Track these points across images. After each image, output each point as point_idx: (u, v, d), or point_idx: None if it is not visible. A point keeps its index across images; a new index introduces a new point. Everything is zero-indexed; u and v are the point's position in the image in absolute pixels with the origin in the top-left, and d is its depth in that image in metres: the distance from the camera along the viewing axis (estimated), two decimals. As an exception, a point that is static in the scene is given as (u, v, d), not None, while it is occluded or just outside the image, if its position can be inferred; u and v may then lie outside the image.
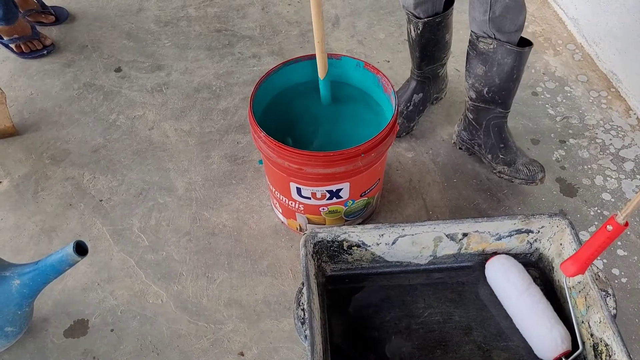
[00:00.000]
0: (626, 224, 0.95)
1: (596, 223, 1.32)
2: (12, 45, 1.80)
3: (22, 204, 1.39)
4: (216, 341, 1.15)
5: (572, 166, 1.44)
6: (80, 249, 0.95)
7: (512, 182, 1.36)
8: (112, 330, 1.17)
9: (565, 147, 1.48)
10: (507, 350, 1.12)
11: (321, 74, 1.19)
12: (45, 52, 1.82)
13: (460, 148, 1.48)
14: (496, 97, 1.30)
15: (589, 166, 1.44)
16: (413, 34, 1.38)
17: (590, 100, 1.60)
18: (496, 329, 1.15)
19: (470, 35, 1.25)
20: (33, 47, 1.81)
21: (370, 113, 1.27)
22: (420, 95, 1.51)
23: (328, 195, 1.18)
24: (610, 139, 1.50)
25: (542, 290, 1.18)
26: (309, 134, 1.27)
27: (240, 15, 1.94)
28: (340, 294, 1.21)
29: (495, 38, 1.21)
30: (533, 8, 1.92)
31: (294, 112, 1.28)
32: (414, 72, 1.49)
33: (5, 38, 1.79)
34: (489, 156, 1.39)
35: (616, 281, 1.22)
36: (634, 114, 1.55)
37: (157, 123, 1.58)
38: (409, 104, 1.50)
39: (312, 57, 1.25)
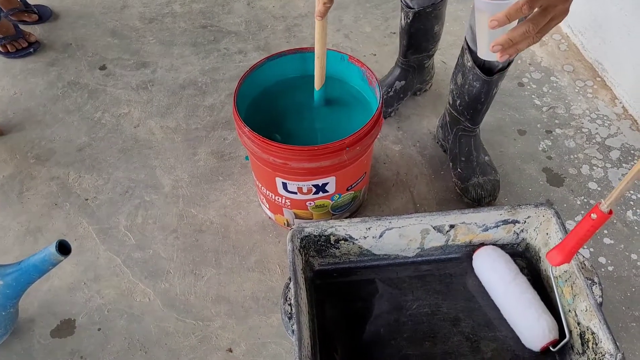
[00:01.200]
0: (610, 212, 0.95)
1: (583, 212, 1.32)
2: (-2, 46, 1.78)
3: (7, 204, 1.38)
4: (204, 338, 1.15)
5: (558, 156, 1.44)
6: (63, 248, 0.94)
7: (462, 198, 1.36)
8: (99, 330, 1.16)
9: (552, 137, 1.49)
10: (495, 340, 1.13)
11: (317, 85, 1.20)
12: (31, 49, 1.80)
13: (437, 142, 1.48)
14: (465, 112, 1.31)
15: (575, 156, 1.44)
16: (403, 22, 1.38)
17: (576, 90, 1.60)
18: (484, 320, 1.16)
19: (464, 41, 1.24)
20: (18, 46, 1.79)
21: (356, 106, 1.26)
22: (403, 82, 1.51)
23: (314, 189, 1.17)
24: (597, 128, 1.50)
25: (529, 280, 1.19)
26: (296, 129, 1.27)
27: (225, 10, 1.93)
28: (328, 288, 1.21)
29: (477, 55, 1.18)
30: (519, -1, 1.91)
31: (281, 107, 1.27)
32: (400, 59, 1.49)
33: (-11, 39, 1.78)
34: (450, 163, 1.40)
35: (603, 269, 1.23)
36: (620, 102, 1.56)
37: (142, 120, 1.57)
38: (389, 90, 1.50)
39: (296, 51, 1.25)
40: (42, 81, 1.70)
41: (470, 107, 1.29)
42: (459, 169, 1.37)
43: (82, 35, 1.85)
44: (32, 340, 1.15)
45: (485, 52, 0.80)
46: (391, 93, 1.52)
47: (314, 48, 1.24)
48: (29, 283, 0.99)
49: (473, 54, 1.19)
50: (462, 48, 1.24)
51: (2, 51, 1.78)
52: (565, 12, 0.73)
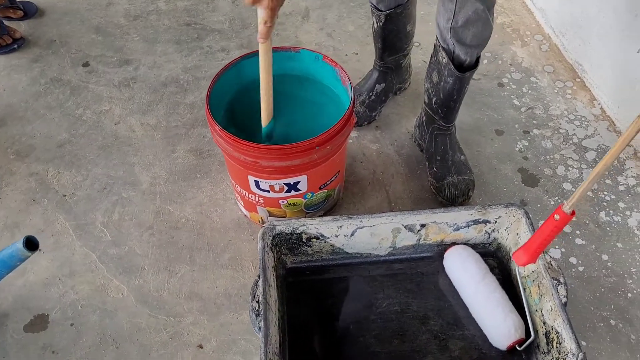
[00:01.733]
0: (573, 213, 0.97)
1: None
2: (-17, 42, 1.79)
3: (-14, 200, 1.39)
4: (176, 334, 1.16)
5: (534, 156, 1.45)
6: (31, 244, 0.95)
7: (437, 197, 1.37)
8: (72, 325, 1.17)
9: (529, 138, 1.49)
10: (463, 339, 1.14)
11: (264, 121, 1.16)
12: (15, 46, 1.81)
13: (414, 142, 1.49)
14: (439, 110, 1.32)
15: (552, 156, 1.45)
16: (375, 25, 1.39)
17: (556, 91, 1.61)
18: (453, 319, 1.17)
19: (435, 39, 1.24)
20: (2, 43, 1.80)
21: (331, 106, 1.27)
22: (383, 85, 1.51)
23: (286, 188, 1.18)
24: (574, 129, 1.51)
25: (499, 279, 1.20)
26: (272, 128, 1.28)
27: (210, 8, 1.93)
28: (300, 286, 1.22)
29: (452, 50, 1.19)
30: (502, -1, 1.93)
31: (257, 106, 1.28)
32: (377, 62, 1.50)
33: (-26, 36, 1.78)
34: (427, 162, 1.41)
35: (573, 270, 1.24)
36: (598, 104, 1.56)
37: (123, 118, 1.58)
38: (371, 94, 1.51)
39: (274, 50, 1.26)
40: (25, 77, 1.71)
41: (444, 105, 1.30)
42: (434, 168, 1.37)
43: (66, 31, 1.86)
44: (5, 335, 1.16)
45: None
46: (373, 97, 1.52)
47: (292, 47, 1.26)
48: (-2, 278, 1.00)
49: (446, 50, 1.20)
50: (435, 46, 1.25)
51: (-13, 47, 1.79)
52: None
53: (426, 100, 1.36)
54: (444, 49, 1.21)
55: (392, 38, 1.41)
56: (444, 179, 1.35)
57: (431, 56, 1.28)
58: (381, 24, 1.37)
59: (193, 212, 1.36)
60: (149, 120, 1.57)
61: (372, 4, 1.37)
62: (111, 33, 1.85)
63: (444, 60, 1.22)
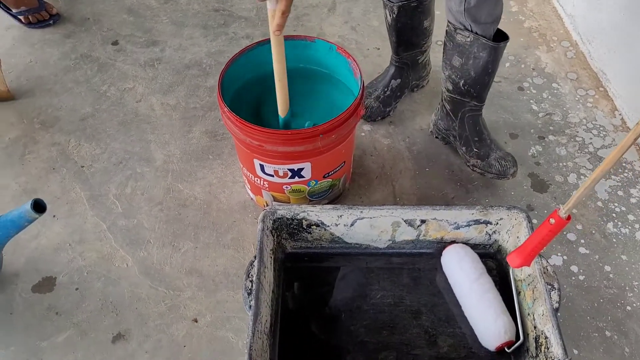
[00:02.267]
0: (568, 218, 0.96)
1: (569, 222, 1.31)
2: (21, 17, 1.86)
3: (9, 165, 1.46)
4: (173, 307, 1.19)
5: (547, 162, 1.43)
6: (39, 206, 1.00)
7: (484, 175, 1.36)
8: (76, 289, 1.22)
9: (543, 143, 1.48)
10: (453, 336, 1.14)
11: (282, 111, 1.17)
12: (51, 21, 1.88)
13: (436, 137, 1.49)
14: (471, 90, 1.30)
15: (564, 164, 1.43)
16: (389, 18, 1.39)
17: (577, 98, 1.59)
18: (445, 315, 1.17)
19: (447, 26, 1.25)
20: (40, 18, 1.87)
21: (342, 96, 1.28)
22: (398, 81, 1.52)
23: (290, 173, 1.20)
24: (591, 138, 1.49)
25: (497, 282, 1.20)
26: (289, 118, 1.30)
27: (239, -5, 1.97)
28: (298, 271, 1.24)
29: (471, 30, 1.21)
30: (532, 3, 1.90)
31: (271, 93, 1.31)
32: (393, 57, 1.50)
33: (13, 10, 1.85)
34: (463, 148, 1.39)
35: (573, 278, 1.22)
36: (619, 114, 1.53)
37: (145, 96, 1.63)
38: (386, 89, 1.52)
39: (288, 38, 1.28)
40: (57, 52, 1.77)
41: (477, 83, 1.28)
42: (474, 149, 1.37)
43: (100, 10, 1.92)
44: (14, 293, 1.22)
45: None
46: (388, 92, 1.53)
47: (308, 36, 1.27)
48: (7, 237, 1.05)
49: (468, 30, 1.20)
50: (449, 32, 1.25)
51: (24, 22, 1.86)
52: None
53: (450, 88, 1.34)
54: (463, 30, 1.21)
55: (407, 33, 1.41)
56: (489, 155, 1.35)
57: (445, 43, 1.28)
58: (394, 16, 1.37)
59: (202, 191, 1.39)
60: (169, 100, 1.62)
61: None
62: (142, 14, 1.90)
63: (469, 39, 1.21)
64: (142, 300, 1.20)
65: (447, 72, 1.32)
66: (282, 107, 1.17)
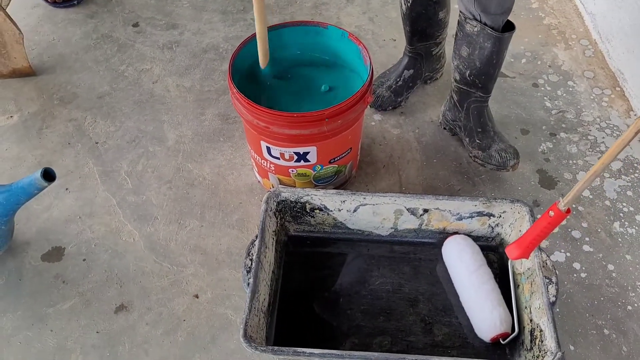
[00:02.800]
0: (568, 211, 0.96)
1: (568, 217, 1.31)
2: (48, -4, 1.91)
3: (27, 138, 1.50)
4: (175, 282, 1.22)
5: (557, 159, 1.42)
6: (48, 175, 1.03)
7: (485, 167, 1.36)
8: (84, 260, 1.26)
9: (554, 140, 1.47)
10: (449, 325, 1.15)
11: (262, 64, 1.24)
12: (75, 1, 1.92)
13: (444, 128, 1.49)
14: (477, 80, 1.30)
15: (575, 161, 1.42)
16: (403, 7, 1.40)
17: (592, 97, 1.57)
18: (442, 305, 1.18)
19: (459, 15, 1.25)
20: (66, -2, 1.92)
21: (352, 82, 1.29)
22: (411, 71, 1.52)
23: (296, 157, 1.22)
24: (603, 137, 1.47)
25: (497, 275, 1.20)
26: (295, 98, 1.32)
27: (260, -17, 1.98)
28: (300, 254, 1.25)
29: (479, 20, 1.20)
30: (553, 0, 1.87)
31: (282, 75, 1.33)
32: (406, 47, 1.51)
33: (40, -11, 1.91)
34: (467, 139, 1.39)
35: (575, 275, 1.22)
36: (635, 115, 1.51)
37: (161, 78, 1.66)
38: (398, 79, 1.52)
39: (303, 24, 1.29)
40: (79, 31, 1.81)
41: (482, 73, 1.28)
42: (477, 140, 1.37)
43: (123, -8, 1.96)
44: (24, 261, 1.26)
45: None
46: (400, 82, 1.53)
47: (321, 22, 1.29)
48: (18, 204, 1.08)
49: (476, 19, 1.20)
50: (460, 21, 1.25)
51: (49, 1, 1.91)
52: None
53: (457, 78, 1.35)
54: (472, 19, 1.21)
55: (422, 23, 1.41)
56: (490, 147, 1.35)
57: (456, 33, 1.29)
58: (408, 4, 1.37)
59: (211, 172, 1.42)
60: (185, 82, 1.64)
61: None
62: (164, -2, 1.94)
63: (476, 29, 1.21)
64: (146, 274, 1.23)
65: (456, 62, 1.33)
66: (262, 59, 1.23)
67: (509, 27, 1.22)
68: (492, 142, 1.34)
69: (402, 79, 1.52)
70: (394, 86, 1.52)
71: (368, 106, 1.50)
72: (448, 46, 1.59)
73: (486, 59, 1.24)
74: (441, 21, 1.43)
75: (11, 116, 1.56)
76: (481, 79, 1.29)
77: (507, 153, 1.32)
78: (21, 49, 1.58)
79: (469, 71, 1.29)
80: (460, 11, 1.24)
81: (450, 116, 1.44)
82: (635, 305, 1.17)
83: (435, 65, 1.57)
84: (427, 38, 1.46)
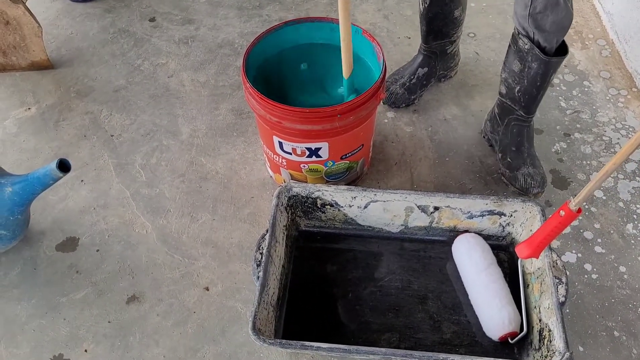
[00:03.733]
0: (579, 211, 0.96)
1: (580, 218, 1.30)
2: (66, -11, 1.94)
3: (44, 130, 1.52)
4: (187, 274, 1.24)
5: (570, 160, 1.41)
6: (63, 166, 1.04)
7: (508, 187, 1.36)
8: (97, 251, 1.28)
9: (569, 141, 1.46)
10: (458, 324, 1.15)
11: (346, 73, 1.19)
12: (94, -3, 1.95)
13: (483, 137, 1.48)
14: (521, 98, 1.29)
15: (588, 162, 1.41)
16: (421, 7, 1.39)
17: (607, 98, 1.55)
18: (452, 303, 1.18)
19: (514, 29, 1.22)
20: (84, -8, 1.94)
21: (366, 79, 1.29)
22: (425, 69, 1.51)
23: (307, 152, 1.22)
24: (618, 138, 1.46)
25: (508, 274, 1.20)
26: (309, 95, 1.32)
27: (276, -21, 1.99)
28: (310, 249, 1.26)
29: (532, 38, 1.17)
30: None
31: (296, 73, 1.33)
32: (421, 45, 1.50)
33: (59, -18, 1.93)
34: (499, 155, 1.38)
35: (586, 276, 1.21)
36: (651, 116, 1.50)
37: (176, 72, 1.67)
38: (412, 77, 1.52)
39: (317, 20, 1.29)
40: (97, 25, 1.83)
41: (526, 93, 1.27)
42: (508, 159, 1.36)
43: (141, -13, 1.98)
44: (39, 250, 1.28)
45: None
46: (414, 80, 1.53)
47: (335, 19, 1.28)
48: (34, 194, 1.10)
49: (528, 37, 1.18)
50: (513, 35, 1.23)
51: (69, -6, 1.94)
52: None
53: (503, 91, 1.33)
54: (524, 36, 1.19)
55: (438, 22, 1.41)
56: (519, 168, 1.34)
57: (509, 46, 1.26)
58: (426, 5, 1.37)
59: (223, 166, 1.43)
60: (200, 77, 1.66)
61: None
62: (180, -7, 1.95)
63: (527, 46, 1.19)
64: (158, 266, 1.25)
65: (504, 74, 1.31)
66: (345, 68, 1.18)
67: (562, 49, 1.19)
68: (522, 165, 1.33)
69: (416, 76, 1.52)
70: (407, 83, 1.52)
71: (381, 102, 1.51)
72: (462, 45, 1.59)
73: (532, 79, 1.22)
74: (456, 19, 1.42)
75: (29, 108, 1.58)
76: (525, 98, 1.27)
77: (534, 180, 1.31)
78: (40, 42, 1.61)
79: (518, 87, 1.27)
80: (515, 26, 1.21)
81: (489, 127, 1.43)
82: (647, 307, 1.16)
83: (450, 64, 1.57)
84: (443, 37, 1.46)
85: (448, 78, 1.61)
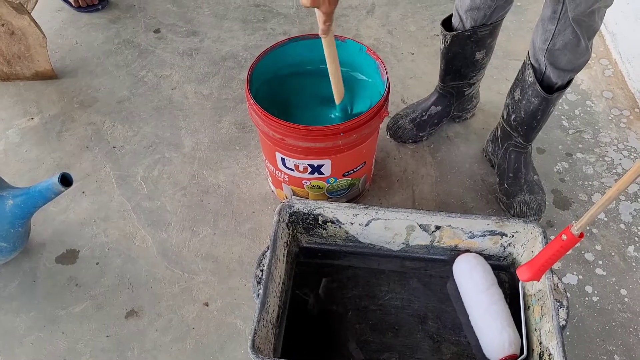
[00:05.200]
0: (581, 236, 0.95)
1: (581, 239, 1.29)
2: (71, 1, 1.94)
3: (47, 140, 1.53)
4: (186, 289, 1.23)
5: (572, 180, 1.41)
6: (65, 180, 1.04)
7: (505, 213, 1.36)
8: (97, 264, 1.27)
9: (570, 161, 1.46)
10: (458, 345, 1.14)
11: (337, 99, 1.24)
12: (100, 6, 1.95)
13: (485, 156, 1.47)
14: (519, 127, 1.29)
15: (590, 182, 1.41)
16: (442, 45, 1.36)
17: (610, 118, 1.56)
18: (452, 323, 1.17)
19: (527, 56, 1.22)
20: (90, 2, 1.95)
21: (369, 97, 1.29)
22: (439, 108, 1.48)
23: (310, 169, 1.22)
24: (620, 159, 1.46)
25: (508, 295, 1.19)
26: (312, 112, 1.32)
27: (281, -7, 2.00)
28: (311, 266, 1.26)
29: (544, 71, 1.17)
30: (575, 18, 1.86)
31: (300, 89, 1.34)
32: (438, 84, 1.47)
33: (64, -7, 1.94)
34: (498, 179, 1.38)
35: (586, 298, 1.20)
36: (653, 137, 1.50)
37: (180, 84, 1.68)
38: (424, 114, 1.48)
39: (318, 36, 1.30)
40: (102, 36, 1.84)
41: (524, 124, 1.27)
42: (505, 185, 1.36)
43: (146, -1, 1.99)
44: (38, 262, 1.28)
45: None
46: (425, 117, 1.49)
47: (339, 36, 1.29)
48: (35, 207, 1.10)
49: (535, 70, 1.18)
50: (524, 63, 1.23)
51: (74, 5, 1.94)
52: None
53: (504, 116, 1.33)
54: (533, 67, 1.18)
55: (457, 62, 1.37)
56: (515, 196, 1.34)
57: (518, 72, 1.26)
58: (446, 44, 1.34)
59: (225, 180, 1.43)
60: (203, 89, 1.66)
61: (458, 13, 1.30)
62: (185, 5, 1.96)
63: (530, 79, 1.19)
64: (158, 280, 1.25)
65: (508, 100, 1.31)
66: (337, 96, 1.22)
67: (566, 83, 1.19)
68: (519, 192, 1.33)
69: (427, 114, 1.48)
70: (418, 119, 1.49)
71: (387, 134, 1.51)
72: (492, 84, 1.57)
73: (531, 112, 1.23)
74: (477, 62, 1.37)
75: (32, 118, 1.58)
76: (523, 127, 1.28)
77: (529, 208, 1.31)
78: (44, 53, 1.61)
79: (514, 115, 1.28)
80: (528, 54, 1.20)
81: (491, 148, 1.43)
82: (648, 331, 1.16)
83: (467, 106, 1.52)
84: (461, 78, 1.41)
85: (463, 119, 1.57)
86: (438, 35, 1.81)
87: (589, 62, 1.69)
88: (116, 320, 1.18)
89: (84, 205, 1.38)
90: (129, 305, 1.21)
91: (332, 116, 1.29)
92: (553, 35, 1.10)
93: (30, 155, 1.49)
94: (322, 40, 1.11)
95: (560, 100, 1.60)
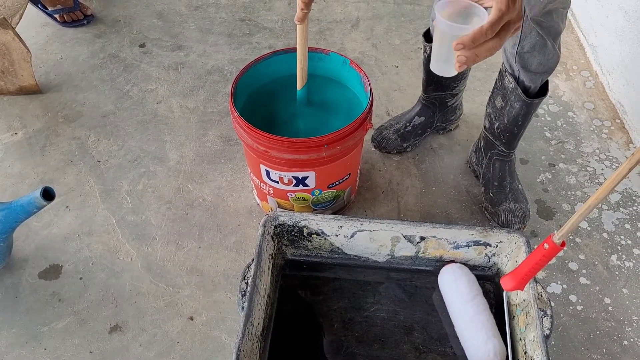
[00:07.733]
0: (562, 244, 0.96)
1: (565, 249, 1.31)
2: (56, 16, 1.94)
3: (30, 155, 1.52)
4: (171, 303, 1.22)
5: (555, 190, 1.43)
6: (47, 194, 1.04)
7: (490, 222, 1.37)
8: (80, 279, 1.26)
9: (553, 171, 1.47)
10: (444, 355, 1.14)
11: (299, 85, 1.24)
12: (85, 21, 1.96)
13: (469, 167, 1.49)
14: (502, 135, 1.31)
15: (573, 192, 1.42)
16: (423, 56, 1.38)
17: (592, 129, 1.58)
18: (437, 334, 1.17)
19: (502, 64, 1.24)
20: (75, 18, 1.95)
21: (352, 109, 1.30)
22: (422, 119, 1.50)
23: (294, 181, 1.22)
24: (602, 169, 1.47)
25: (493, 305, 1.19)
26: (296, 125, 1.33)
27: (266, 7, 2.02)
28: (296, 279, 1.25)
29: (517, 77, 1.19)
30: (556, 31, 1.90)
31: (284, 102, 1.34)
32: (421, 94, 1.49)
33: (49, 8, 1.94)
34: (482, 188, 1.40)
35: (571, 307, 1.21)
36: (634, 147, 1.52)
37: (165, 98, 1.68)
38: (408, 125, 1.50)
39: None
40: (87, 50, 1.84)
41: (507, 130, 1.29)
42: (490, 194, 1.37)
43: (131, 13, 1.99)
44: (21, 278, 1.26)
45: (441, 68, 0.84)
46: (409, 128, 1.50)
47: (323, 49, 1.31)
48: (17, 222, 1.09)
49: (513, 76, 1.20)
50: (501, 71, 1.24)
51: (59, 20, 1.94)
52: (520, 19, 0.75)
53: (487, 125, 1.35)
54: (510, 74, 1.20)
55: None
56: (501, 204, 1.35)
57: (496, 81, 1.27)
58: (426, 55, 1.36)
59: (210, 193, 1.43)
60: (188, 103, 1.66)
61: (424, 38, 1.34)
62: (171, 19, 1.97)
63: (511, 86, 1.21)
64: (142, 295, 1.24)
65: (489, 109, 1.33)
66: (300, 81, 1.22)
67: (544, 89, 1.21)
68: (504, 200, 1.34)
69: (411, 124, 1.50)
70: (402, 130, 1.50)
71: (372, 146, 1.52)
72: (475, 96, 1.59)
73: (513, 118, 1.24)
74: (459, 74, 1.39)
75: (16, 133, 1.58)
76: (506, 135, 1.29)
77: (514, 216, 1.32)
78: (28, 67, 1.61)
79: (497, 123, 1.29)
80: (503, 62, 1.23)
81: (475, 158, 1.44)
82: (632, 340, 1.16)
83: (450, 117, 1.54)
84: (443, 88, 1.43)
85: (447, 131, 1.58)
86: (422, 48, 1.83)
87: (571, 74, 1.72)
88: (100, 335, 1.17)
89: (68, 220, 1.37)
90: (113, 320, 1.19)
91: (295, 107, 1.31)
92: (520, 39, 1.12)
93: (13, 170, 1.48)
94: (297, 27, 1.13)
95: (543, 112, 1.62)
